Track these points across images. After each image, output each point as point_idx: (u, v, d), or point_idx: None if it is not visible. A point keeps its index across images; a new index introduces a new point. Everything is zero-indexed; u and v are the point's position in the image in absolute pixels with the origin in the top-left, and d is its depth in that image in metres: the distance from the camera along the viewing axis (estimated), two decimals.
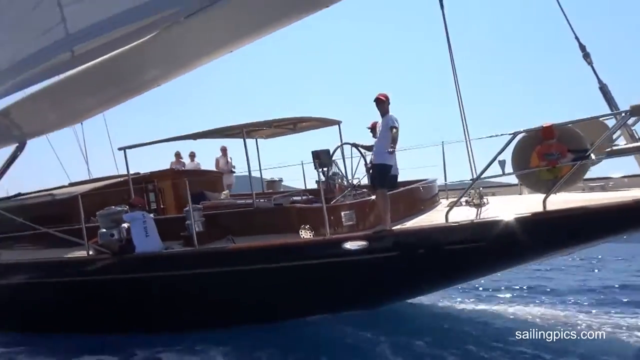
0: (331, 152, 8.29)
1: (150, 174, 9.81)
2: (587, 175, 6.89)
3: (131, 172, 9.19)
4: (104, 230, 7.29)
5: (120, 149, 8.11)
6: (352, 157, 8.23)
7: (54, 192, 9.71)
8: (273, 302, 6.43)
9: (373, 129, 7.36)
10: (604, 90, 6.11)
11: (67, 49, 8.84)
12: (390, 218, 6.40)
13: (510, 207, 6.51)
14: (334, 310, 6.59)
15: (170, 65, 8.89)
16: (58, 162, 12.95)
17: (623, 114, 5.35)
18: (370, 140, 7.55)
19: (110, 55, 8.63)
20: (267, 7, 7.48)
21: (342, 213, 6.74)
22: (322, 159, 8.08)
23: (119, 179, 9.37)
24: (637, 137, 5.76)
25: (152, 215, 7.78)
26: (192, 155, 13.03)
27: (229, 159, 12.46)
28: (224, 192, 10.47)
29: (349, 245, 5.98)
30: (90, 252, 7.41)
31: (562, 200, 5.79)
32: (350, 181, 8.23)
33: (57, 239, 7.84)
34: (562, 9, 6.21)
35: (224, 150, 12.37)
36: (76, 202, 7.48)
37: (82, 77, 9.09)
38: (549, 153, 5.38)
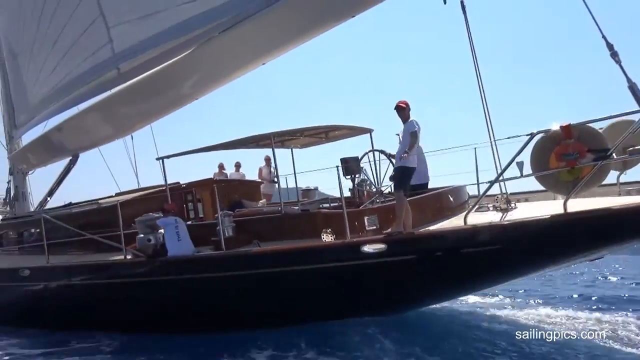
0: (359, 159, 8.38)
1: (190, 183, 10.24)
2: (624, 179, 6.69)
3: (175, 181, 9.63)
4: (142, 235, 7.72)
5: (157, 159, 8.55)
6: (380, 164, 8.29)
7: (100, 201, 10.32)
8: (294, 305, 6.56)
9: None
10: (634, 89, 5.88)
11: (113, 67, 9.51)
12: (415, 222, 6.40)
13: (537, 211, 6.34)
14: (357, 313, 6.61)
15: (207, 78, 9.35)
16: (109, 173, 13.82)
17: None
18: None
19: (153, 71, 9.19)
20: (296, 21, 7.76)
21: (365, 218, 6.80)
22: (350, 165, 8.18)
23: (159, 188, 9.86)
24: None
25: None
26: (238, 166, 13.48)
27: (272, 169, 12.74)
28: (261, 201, 10.74)
29: (367, 248, 6.03)
30: (129, 256, 7.84)
31: (595, 204, 5.58)
32: (378, 188, 8.27)
33: (102, 245, 8.36)
34: (588, 7, 6.06)
35: (267, 160, 12.64)
36: (116, 210, 7.96)
37: (127, 92, 9.70)
38: (567, 153, 5.24)
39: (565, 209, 5.29)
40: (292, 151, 9.95)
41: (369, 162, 8.50)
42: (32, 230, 10.79)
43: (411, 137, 6.29)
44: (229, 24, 8.07)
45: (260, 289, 6.68)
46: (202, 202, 10.41)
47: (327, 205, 8.55)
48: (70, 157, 12.12)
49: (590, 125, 5.33)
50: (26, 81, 11.97)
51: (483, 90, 6.53)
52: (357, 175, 8.42)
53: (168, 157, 8.58)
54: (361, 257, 6.04)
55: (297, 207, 8.02)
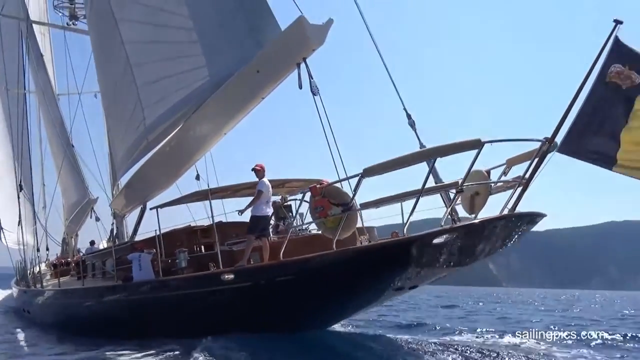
0: (282, 206, 10.10)
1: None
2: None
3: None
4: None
5: (151, 209, 11.36)
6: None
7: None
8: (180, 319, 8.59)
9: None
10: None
11: (144, 138, 12.83)
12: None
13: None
14: (227, 330, 8.26)
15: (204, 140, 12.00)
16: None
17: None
18: None
19: (165, 141, 12.22)
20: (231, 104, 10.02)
21: (251, 254, 8.58)
22: (278, 211, 10.00)
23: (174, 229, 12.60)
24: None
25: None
26: None
27: None
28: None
29: (223, 276, 7.83)
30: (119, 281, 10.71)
31: None
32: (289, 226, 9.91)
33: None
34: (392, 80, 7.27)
35: None
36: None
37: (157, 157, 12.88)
38: (316, 207, 6.51)
39: (333, 247, 6.53)
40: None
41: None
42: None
43: (257, 194, 8.06)
44: (197, 105, 10.73)
45: (173, 307, 8.85)
46: None
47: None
48: (141, 206, 15.80)
49: (336, 185, 6.55)
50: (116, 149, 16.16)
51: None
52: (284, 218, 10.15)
53: (161, 206, 11.33)
54: (221, 283, 7.87)
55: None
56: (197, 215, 13.65)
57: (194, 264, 9.68)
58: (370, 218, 9.84)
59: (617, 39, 5.77)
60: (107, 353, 8.67)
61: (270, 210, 8.64)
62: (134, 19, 12.00)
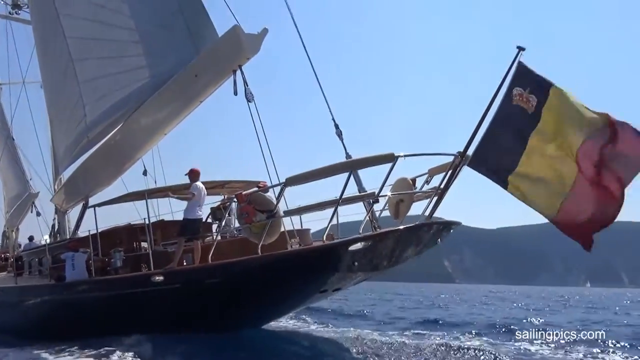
0: (222, 208, 10.29)
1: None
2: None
3: None
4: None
5: (90, 207, 11.30)
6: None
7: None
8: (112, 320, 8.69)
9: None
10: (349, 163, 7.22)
11: (84, 135, 12.71)
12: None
13: None
14: (155, 329, 8.40)
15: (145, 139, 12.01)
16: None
17: None
18: None
19: (106, 139, 12.15)
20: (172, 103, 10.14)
21: (184, 255, 8.74)
22: (214, 213, 10.17)
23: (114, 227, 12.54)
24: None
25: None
26: None
27: None
28: None
29: (154, 278, 7.98)
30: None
31: None
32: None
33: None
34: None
35: None
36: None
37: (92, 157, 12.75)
38: (241, 213, 6.79)
39: (259, 251, 6.80)
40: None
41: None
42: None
43: (190, 196, 8.26)
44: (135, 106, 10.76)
45: (104, 307, 8.92)
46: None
47: None
48: (83, 202, 15.60)
49: (261, 193, 6.85)
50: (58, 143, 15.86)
51: None
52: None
53: (100, 205, 11.28)
54: (151, 284, 8.01)
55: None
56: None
57: (130, 263, 9.74)
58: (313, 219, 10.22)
59: (520, 64, 6.26)
60: (36, 352, 8.66)
61: (202, 214, 8.82)
62: (76, 14, 11.86)
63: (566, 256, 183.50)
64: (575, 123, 6.18)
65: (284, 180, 6.73)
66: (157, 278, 7.90)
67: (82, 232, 14.03)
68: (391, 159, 6.39)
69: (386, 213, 8.36)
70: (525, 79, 6.25)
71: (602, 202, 6.13)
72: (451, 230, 7.98)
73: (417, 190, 7.80)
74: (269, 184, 8.19)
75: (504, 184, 6.36)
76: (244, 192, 7.14)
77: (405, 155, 6.49)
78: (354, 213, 8.15)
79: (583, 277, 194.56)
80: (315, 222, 9.56)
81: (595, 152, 6.06)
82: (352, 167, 6.77)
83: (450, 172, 6.92)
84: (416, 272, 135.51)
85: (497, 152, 6.43)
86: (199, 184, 8.69)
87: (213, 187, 11.15)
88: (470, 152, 6.71)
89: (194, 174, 8.84)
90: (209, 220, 10.25)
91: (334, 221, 7.23)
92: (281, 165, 8.35)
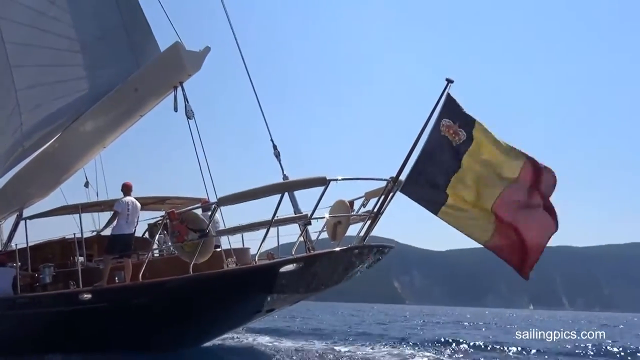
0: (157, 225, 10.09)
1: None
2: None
3: None
4: None
5: (22, 219, 10.81)
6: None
7: None
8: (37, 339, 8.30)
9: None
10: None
11: (20, 144, 12.22)
12: None
13: None
14: (83, 349, 8.12)
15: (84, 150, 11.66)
16: None
17: None
18: None
19: (43, 149, 11.73)
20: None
21: (116, 272, 8.49)
22: (150, 230, 9.95)
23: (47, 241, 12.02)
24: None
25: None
26: None
27: None
28: None
29: (82, 296, 7.70)
30: None
31: None
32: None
33: None
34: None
35: None
36: None
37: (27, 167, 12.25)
38: (173, 232, 6.73)
39: (191, 271, 6.71)
40: None
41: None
42: None
43: (113, 214, 8.08)
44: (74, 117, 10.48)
45: (28, 325, 8.51)
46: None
47: None
48: (17, 213, 14.91)
49: (196, 211, 6.83)
50: None
51: None
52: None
53: (31, 217, 10.82)
54: (79, 302, 7.73)
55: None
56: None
57: (61, 279, 9.36)
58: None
59: (448, 96, 6.52)
60: None
61: (130, 230, 8.56)
62: (15, 18, 11.48)
63: (511, 279, 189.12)
64: (499, 162, 6.47)
65: (217, 200, 6.72)
66: (85, 296, 7.63)
67: (21, 245, 13.41)
68: (323, 182, 6.48)
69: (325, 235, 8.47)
70: (454, 112, 6.51)
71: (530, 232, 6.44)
72: (385, 253, 8.12)
73: (352, 213, 7.91)
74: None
75: (435, 211, 6.56)
76: (176, 211, 7.05)
77: (337, 180, 6.60)
78: (295, 233, 8.20)
79: (526, 299, 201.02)
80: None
81: (520, 193, 6.38)
82: (284, 189, 6.82)
83: (383, 197, 7.08)
84: (366, 292, 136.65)
85: (427, 180, 6.62)
86: (127, 198, 8.48)
87: (153, 202, 10.94)
88: (403, 177, 6.88)
89: (125, 188, 8.66)
90: (146, 236, 10.02)
91: (275, 242, 7.24)
92: (227, 183, 8.33)
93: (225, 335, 10.77)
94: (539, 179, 6.31)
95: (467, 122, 6.43)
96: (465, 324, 26.82)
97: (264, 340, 12.25)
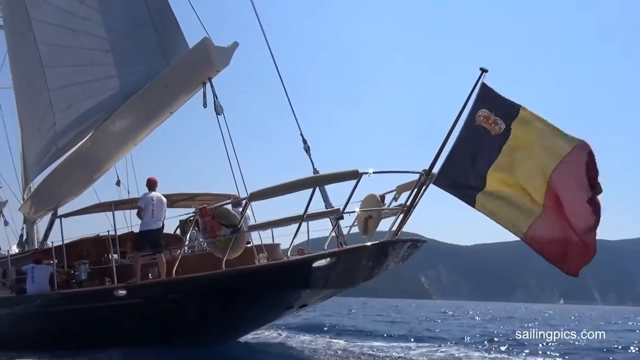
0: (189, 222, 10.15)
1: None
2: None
3: None
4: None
5: (57, 217, 11.03)
6: None
7: None
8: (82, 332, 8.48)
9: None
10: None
11: (54, 144, 12.46)
12: None
13: None
14: (124, 345, 8.19)
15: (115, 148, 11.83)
16: None
17: None
18: None
19: (76, 148, 11.93)
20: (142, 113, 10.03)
21: (150, 268, 8.56)
22: (182, 226, 10.02)
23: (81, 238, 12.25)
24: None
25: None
26: None
27: None
28: None
29: (117, 292, 7.79)
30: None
31: None
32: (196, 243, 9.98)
33: None
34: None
35: None
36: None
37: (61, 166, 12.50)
38: (205, 227, 6.71)
39: (224, 266, 6.70)
40: None
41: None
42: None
43: (137, 209, 8.13)
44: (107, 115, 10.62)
45: (65, 321, 8.67)
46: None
47: None
48: (52, 212, 15.24)
49: (226, 207, 6.79)
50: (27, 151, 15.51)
51: None
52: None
53: (66, 215, 11.03)
54: (115, 298, 7.82)
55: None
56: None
57: (97, 276, 9.50)
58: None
59: (483, 85, 6.33)
60: None
61: (157, 225, 8.48)
62: (47, 19, 11.70)
63: (540, 273, 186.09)
64: (548, 144, 6.21)
65: (248, 195, 6.70)
66: (120, 292, 7.72)
67: (56, 243, 13.69)
68: (355, 175, 6.39)
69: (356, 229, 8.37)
70: (491, 102, 6.31)
71: (577, 225, 6.16)
72: (417, 248, 7.98)
73: (384, 207, 7.79)
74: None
75: (471, 202, 6.37)
76: (208, 207, 7.05)
77: (369, 173, 6.49)
78: (324, 229, 8.13)
79: (557, 294, 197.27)
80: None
81: (569, 177, 6.09)
82: (316, 183, 6.75)
83: (415, 190, 6.94)
84: (393, 288, 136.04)
85: (463, 170, 6.45)
86: (152, 194, 8.45)
87: (184, 199, 11.01)
88: (435, 170, 6.73)
89: (150, 183, 8.62)
90: (178, 232, 10.11)
91: (305, 237, 7.19)
92: (252, 179, 8.32)
93: (259, 331, 10.78)
94: (590, 167, 5.99)
95: (507, 112, 6.23)
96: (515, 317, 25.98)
97: (321, 339, 12.06)
